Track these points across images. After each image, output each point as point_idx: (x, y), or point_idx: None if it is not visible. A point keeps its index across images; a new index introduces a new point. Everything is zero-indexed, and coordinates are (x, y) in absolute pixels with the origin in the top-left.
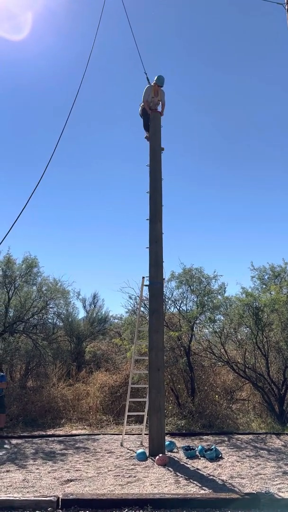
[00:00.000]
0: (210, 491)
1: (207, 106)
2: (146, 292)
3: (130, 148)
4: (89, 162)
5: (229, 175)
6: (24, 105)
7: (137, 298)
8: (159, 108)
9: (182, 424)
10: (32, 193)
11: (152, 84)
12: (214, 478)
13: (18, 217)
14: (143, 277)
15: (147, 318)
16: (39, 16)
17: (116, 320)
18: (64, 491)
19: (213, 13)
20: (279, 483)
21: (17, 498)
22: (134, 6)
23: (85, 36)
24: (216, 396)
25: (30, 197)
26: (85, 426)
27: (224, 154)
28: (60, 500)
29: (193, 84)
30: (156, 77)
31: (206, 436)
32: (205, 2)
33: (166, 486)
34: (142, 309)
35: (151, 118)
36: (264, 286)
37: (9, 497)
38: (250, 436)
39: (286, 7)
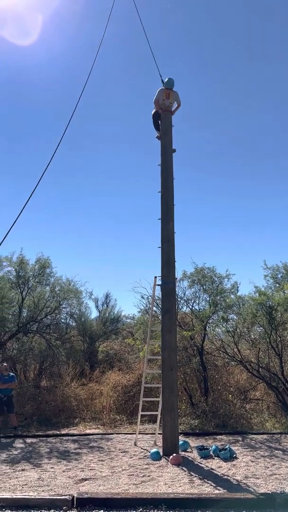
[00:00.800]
0: (225, 491)
1: (224, 107)
2: (158, 292)
3: (144, 148)
4: (102, 164)
5: (244, 173)
6: (31, 107)
7: (150, 297)
8: (173, 109)
9: (196, 424)
10: (33, 191)
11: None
12: (229, 478)
13: (18, 215)
14: (155, 277)
15: (160, 317)
16: (47, 21)
17: (128, 320)
18: (79, 490)
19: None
20: None
21: (33, 497)
22: (141, 12)
23: (93, 40)
24: (230, 395)
25: (30, 195)
26: (98, 426)
27: (240, 153)
28: (75, 499)
29: (201, 87)
30: (166, 80)
31: (220, 436)
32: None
33: (180, 486)
34: (154, 308)
35: (162, 117)
36: (277, 285)
37: (25, 495)
38: (265, 436)
39: None
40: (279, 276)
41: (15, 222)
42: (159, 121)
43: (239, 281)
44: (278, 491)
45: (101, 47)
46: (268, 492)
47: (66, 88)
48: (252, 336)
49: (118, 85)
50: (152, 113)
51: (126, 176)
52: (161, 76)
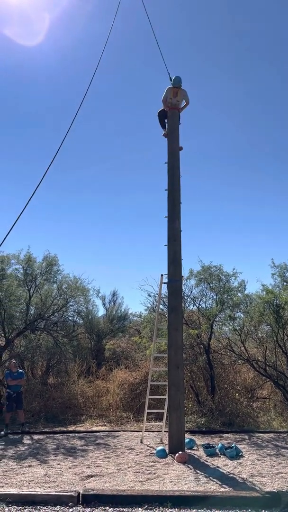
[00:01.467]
0: (230, 489)
1: (229, 107)
2: (165, 290)
3: (152, 148)
4: (109, 162)
5: (252, 173)
6: (38, 107)
7: (156, 296)
8: (182, 106)
9: (202, 422)
10: (38, 185)
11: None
12: (234, 476)
13: (19, 215)
14: (162, 275)
15: (166, 315)
16: (54, 22)
17: (135, 318)
18: (85, 486)
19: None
20: None
21: (39, 493)
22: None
23: (99, 39)
24: (237, 394)
25: (36, 189)
26: (105, 423)
27: (246, 154)
28: (80, 495)
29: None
30: (173, 79)
31: (226, 434)
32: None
33: (185, 484)
34: (161, 306)
35: (169, 115)
36: (285, 283)
37: (31, 491)
38: (271, 435)
39: None
40: (287, 274)
41: (16, 221)
42: (165, 120)
43: (246, 279)
44: (284, 490)
45: (107, 49)
46: (274, 490)
47: (72, 87)
48: (259, 334)
49: (125, 84)
50: (158, 111)
51: (134, 172)
52: (169, 74)
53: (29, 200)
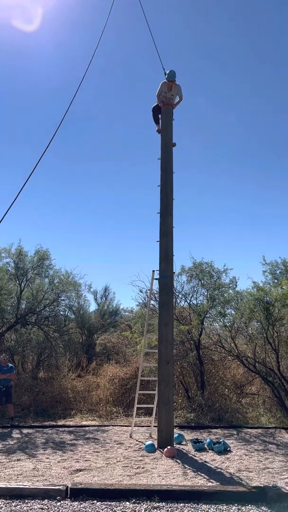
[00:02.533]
0: (218, 483)
1: (223, 102)
2: (156, 286)
3: (145, 142)
4: (103, 156)
5: (243, 170)
6: (34, 93)
7: (148, 291)
8: (176, 102)
9: (191, 417)
10: (32, 171)
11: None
12: (222, 471)
13: (16, 196)
14: (153, 271)
15: (157, 311)
16: (51, 8)
17: (126, 313)
18: (73, 480)
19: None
20: (287, 477)
21: (27, 486)
22: (141, 6)
23: (96, 29)
24: (226, 390)
25: (30, 175)
26: (95, 418)
27: (239, 150)
28: (69, 489)
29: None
30: (167, 73)
31: (215, 430)
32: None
33: (174, 478)
34: (152, 302)
35: (162, 111)
36: (275, 280)
37: (19, 485)
38: (259, 430)
39: None
40: (278, 272)
41: (11, 205)
42: (159, 115)
43: (237, 276)
44: (270, 485)
45: (104, 37)
46: (260, 485)
47: (69, 72)
48: (250, 331)
49: (119, 76)
50: (152, 106)
51: (127, 167)
52: (164, 69)
53: (23, 186)
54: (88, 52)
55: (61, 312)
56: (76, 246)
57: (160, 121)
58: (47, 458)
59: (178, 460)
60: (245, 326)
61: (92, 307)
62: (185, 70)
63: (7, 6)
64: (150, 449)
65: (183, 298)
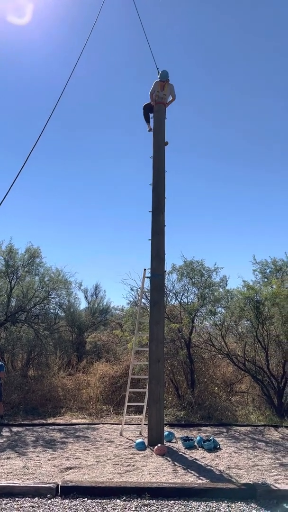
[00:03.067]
0: (207, 481)
1: (214, 100)
2: (147, 284)
3: (134, 141)
4: (93, 154)
5: (234, 169)
6: (26, 87)
7: (139, 290)
8: (168, 101)
9: (182, 415)
10: (27, 158)
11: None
12: (212, 468)
13: (13, 182)
14: (145, 269)
15: (148, 310)
16: (41, 1)
17: (117, 311)
18: (64, 478)
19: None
20: (276, 474)
21: (17, 485)
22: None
23: (87, 23)
24: (216, 388)
25: (25, 161)
26: (85, 416)
27: (228, 149)
28: (59, 487)
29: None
30: (160, 73)
31: (204, 427)
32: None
33: (164, 476)
34: (143, 300)
35: (155, 110)
36: (265, 279)
37: (9, 483)
38: (249, 428)
39: None
40: (268, 271)
41: (11, 186)
42: (150, 114)
43: (228, 275)
44: (259, 482)
45: (99, 33)
46: (250, 482)
47: (61, 65)
48: (240, 329)
49: (117, 73)
50: (144, 105)
51: (118, 164)
52: (158, 68)
53: (22, 166)
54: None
55: (52, 310)
56: (67, 244)
57: (151, 120)
58: (37, 456)
59: (168, 458)
60: (235, 324)
61: (83, 305)
62: (182, 68)
63: None
64: (141, 447)
65: (174, 297)
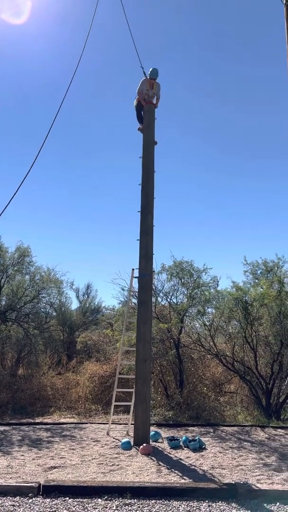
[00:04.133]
0: (190, 480)
1: (207, 92)
2: (136, 284)
3: (128, 139)
4: (85, 152)
5: (226, 167)
6: (23, 88)
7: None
8: (154, 101)
9: (170, 415)
10: (27, 174)
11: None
12: (196, 468)
13: (11, 199)
14: (133, 269)
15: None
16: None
17: (108, 311)
18: (47, 477)
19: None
20: (259, 474)
21: None
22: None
23: (84, 22)
24: (205, 388)
25: (24, 178)
26: (73, 415)
27: (222, 146)
28: (41, 486)
29: (193, 72)
30: (150, 70)
31: (192, 428)
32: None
33: (147, 475)
34: (134, 300)
35: (145, 110)
36: (256, 280)
37: None
38: (235, 428)
39: (284, 1)
40: (259, 272)
41: (8, 203)
42: (142, 113)
43: (218, 275)
44: (241, 482)
45: (97, 31)
46: (232, 482)
47: (59, 65)
48: (230, 330)
49: (111, 72)
50: (135, 104)
51: (109, 163)
52: (142, 68)
53: (21, 183)
54: (78, 45)
55: (42, 309)
56: (58, 244)
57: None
58: (22, 455)
59: (153, 458)
60: (225, 325)
61: (74, 304)
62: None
63: None
64: (126, 446)
65: (164, 297)
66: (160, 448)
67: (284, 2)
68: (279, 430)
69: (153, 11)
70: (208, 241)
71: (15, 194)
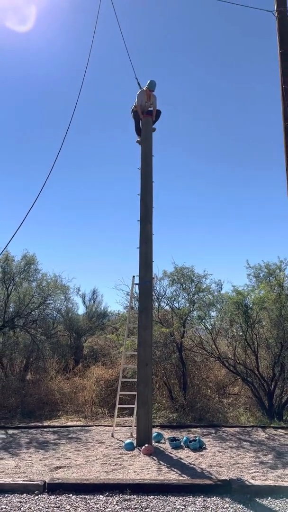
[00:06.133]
0: (188, 478)
1: (202, 105)
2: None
3: (130, 150)
4: (88, 162)
5: (226, 174)
6: (27, 96)
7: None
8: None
9: (174, 417)
10: (38, 196)
11: (144, 88)
12: (194, 466)
13: (24, 218)
14: (133, 276)
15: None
16: (43, 9)
17: (113, 316)
18: (52, 476)
19: (209, 18)
20: (254, 472)
21: (7, 482)
22: (133, 7)
23: (87, 30)
24: (208, 390)
25: (35, 200)
26: (80, 418)
27: (220, 153)
28: (46, 484)
29: (188, 85)
30: (148, 82)
31: (194, 429)
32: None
33: (148, 474)
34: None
35: (143, 122)
36: (259, 283)
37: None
38: (237, 429)
39: (276, 14)
40: (261, 275)
41: (21, 224)
42: (140, 125)
43: (219, 279)
44: (235, 478)
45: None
46: (226, 479)
47: (65, 70)
48: (232, 333)
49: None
50: (132, 115)
51: (113, 172)
52: (137, 79)
53: (33, 203)
54: (84, 53)
55: (49, 315)
56: (65, 250)
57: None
58: (30, 456)
59: (154, 457)
60: (228, 327)
61: (81, 310)
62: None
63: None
64: (129, 447)
65: (166, 302)
66: (161, 449)
67: (276, 15)
68: (279, 430)
69: (151, 22)
70: (212, 246)
71: (26, 215)
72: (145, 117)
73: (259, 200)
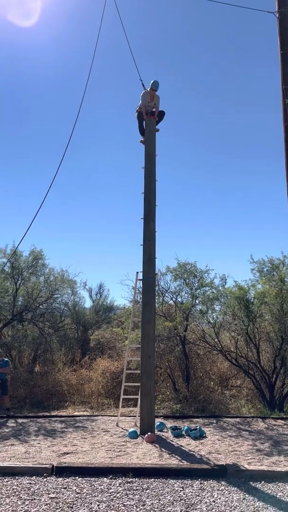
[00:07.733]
0: (187, 463)
1: (207, 99)
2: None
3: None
4: (98, 158)
5: (228, 170)
6: (31, 91)
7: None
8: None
9: (177, 408)
10: (46, 195)
11: (148, 89)
12: (194, 453)
13: (33, 218)
14: (137, 272)
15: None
16: (48, 3)
17: (119, 310)
18: (60, 461)
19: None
20: (250, 458)
21: (18, 465)
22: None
23: (92, 27)
24: (211, 382)
25: (43, 200)
26: (87, 409)
27: (224, 147)
28: (54, 467)
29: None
30: (151, 82)
31: (196, 419)
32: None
33: (150, 459)
34: (140, 300)
35: (146, 123)
36: (263, 278)
37: (10, 464)
38: (237, 419)
39: (277, 15)
40: (265, 270)
41: (31, 224)
42: (144, 125)
43: (222, 274)
44: (231, 464)
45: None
46: (223, 464)
47: (68, 67)
48: (234, 327)
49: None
50: (136, 116)
51: (118, 169)
52: (141, 80)
53: (41, 204)
54: (87, 50)
55: (56, 309)
56: (73, 245)
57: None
58: (38, 443)
59: (156, 445)
60: (231, 321)
61: (88, 303)
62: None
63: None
64: (133, 435)
65: (170, 296)
66: (164, 437)
67: (277, 15)
68: (279, 420)
69: (156, 22)
70: (217, 241)
71: (34, 217)
72: (149, 117)
73: (261, 196)
